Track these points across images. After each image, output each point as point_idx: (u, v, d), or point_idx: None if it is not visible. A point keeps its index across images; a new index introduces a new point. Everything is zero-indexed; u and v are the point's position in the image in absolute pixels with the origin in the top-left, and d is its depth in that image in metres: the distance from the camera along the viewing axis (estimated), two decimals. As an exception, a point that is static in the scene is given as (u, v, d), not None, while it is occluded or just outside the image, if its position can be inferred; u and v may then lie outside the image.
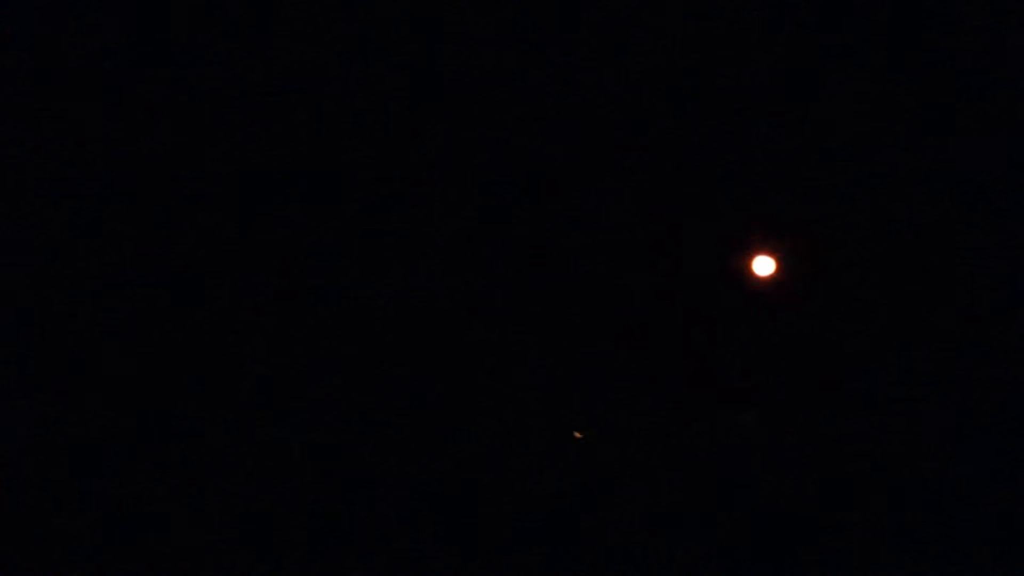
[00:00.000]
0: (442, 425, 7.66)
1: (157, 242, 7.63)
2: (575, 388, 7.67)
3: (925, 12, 7.46)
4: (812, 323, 7.66)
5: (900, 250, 7.62)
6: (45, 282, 7.62)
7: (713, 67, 7.56)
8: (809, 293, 7.64)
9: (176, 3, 7.53)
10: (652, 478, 7.62)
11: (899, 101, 7.59)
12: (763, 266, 7.66)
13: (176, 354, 7.68)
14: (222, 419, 7.65)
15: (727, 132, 7.56)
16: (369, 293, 7.65)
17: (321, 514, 7.62)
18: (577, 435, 7.71)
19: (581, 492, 7.66)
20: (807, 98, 7.53)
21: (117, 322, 7.67)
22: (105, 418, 7.64)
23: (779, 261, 7.64)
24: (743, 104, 7.53)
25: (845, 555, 7.50)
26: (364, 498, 7.63)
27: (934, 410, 7.58)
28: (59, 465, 7.60)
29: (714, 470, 7.66)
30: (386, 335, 7.70)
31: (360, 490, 7.65)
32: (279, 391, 7.71)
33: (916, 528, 7.52)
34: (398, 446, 7.66)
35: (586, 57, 7.56)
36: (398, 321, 7.69)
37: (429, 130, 7.67)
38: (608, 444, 7.70)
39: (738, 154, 7.62)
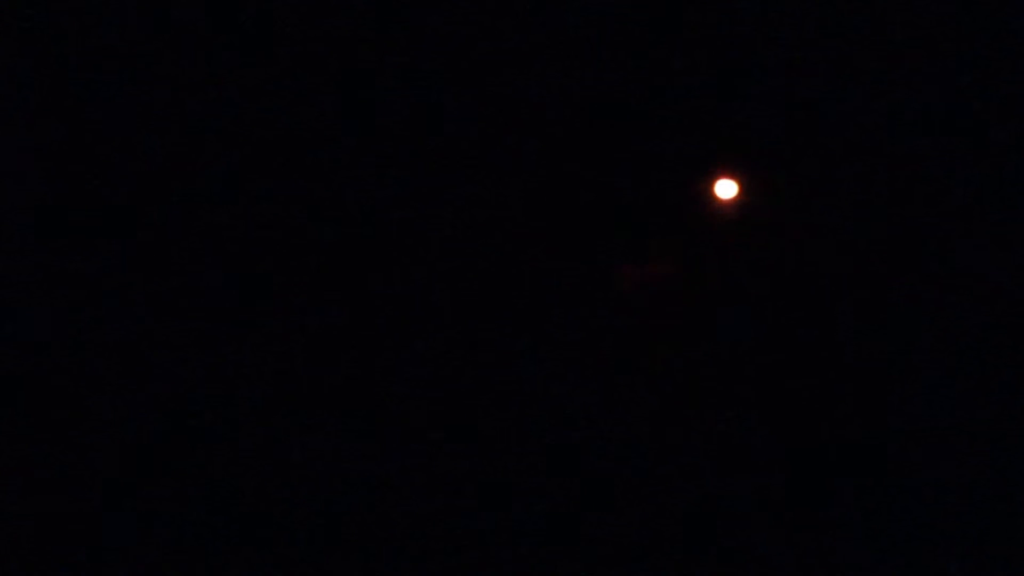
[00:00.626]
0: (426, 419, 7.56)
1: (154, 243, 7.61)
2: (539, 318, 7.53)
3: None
4: (777, 248, 7.54)
5: (867, 174, 7.53)
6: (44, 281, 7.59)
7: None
8: (773, 217, 7.54)
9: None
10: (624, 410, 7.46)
11: (869, 34, 7.54)
12: (726, 189, 7.57)
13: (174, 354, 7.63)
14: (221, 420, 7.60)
15: (691, 53, 7.49)
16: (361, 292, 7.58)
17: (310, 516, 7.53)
18: None
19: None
20: (771, 20, 7.47)
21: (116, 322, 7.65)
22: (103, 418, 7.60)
23: (742, 184, 7.55)
24: (708, 26, 7.47)
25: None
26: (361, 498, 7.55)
27: (907, 338, 7.45)
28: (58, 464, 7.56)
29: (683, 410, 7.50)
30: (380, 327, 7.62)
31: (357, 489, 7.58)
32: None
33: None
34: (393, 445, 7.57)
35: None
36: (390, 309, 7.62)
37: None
38: (576, 377, 7.55)
39: (700, 76, 7.55)
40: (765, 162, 7.53)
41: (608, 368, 7.49)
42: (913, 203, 7.48)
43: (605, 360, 7.50)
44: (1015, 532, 7.26)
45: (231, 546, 7.33)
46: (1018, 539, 7.27)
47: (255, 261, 7.60)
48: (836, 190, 7.52)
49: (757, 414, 7.49)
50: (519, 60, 7.54)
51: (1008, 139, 7.57)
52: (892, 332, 7.44)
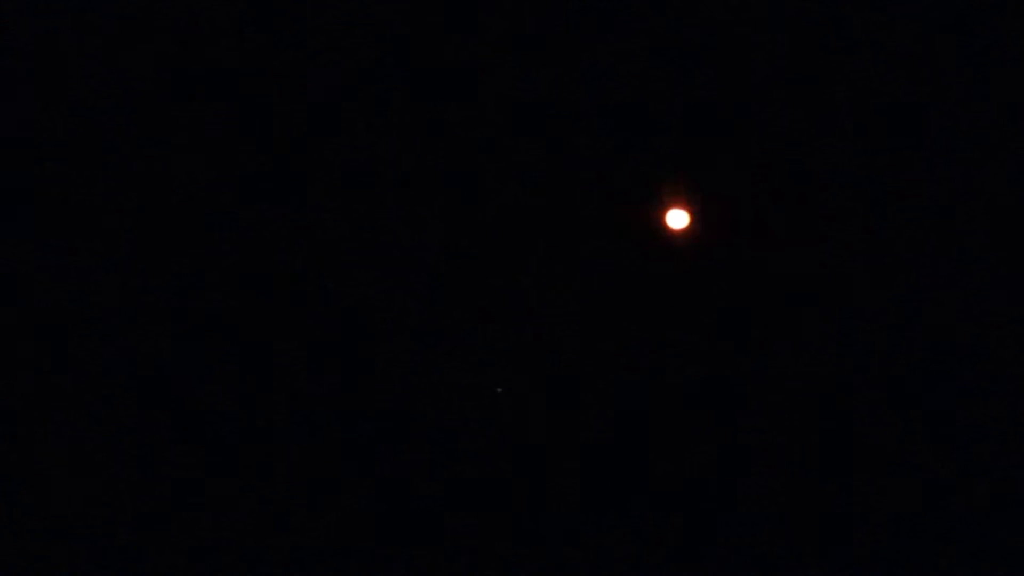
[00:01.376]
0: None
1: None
2: (494, 344, 7.52)
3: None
4: (729, 278, 7.49)
5: (823, 201, 7.46)
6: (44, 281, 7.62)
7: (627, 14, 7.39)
8: (725, 246, 7.48)
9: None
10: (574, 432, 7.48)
11: (826, 50, 7.42)
12: (677, 219, 7.50)
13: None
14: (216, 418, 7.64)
15: (644, 79, 7.39)
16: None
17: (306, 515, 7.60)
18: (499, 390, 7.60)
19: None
20: (730, 46, 7.36)
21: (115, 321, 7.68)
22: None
23: (693, 214, 7.49)
24: (662, 53, 7.36)
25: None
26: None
27: (856, 359, 7.44)
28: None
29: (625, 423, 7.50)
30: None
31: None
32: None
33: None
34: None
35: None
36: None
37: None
38: (531, 402, 7.55)
39: (656, 103, 7.45)
40: (718, 191, 7.45)
41: (555, 394, 7.49)
42: (869, 230, 7.42)
43: (551, 389, 7.51)
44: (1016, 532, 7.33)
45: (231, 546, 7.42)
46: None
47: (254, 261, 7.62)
48: (791, 219, 7.45)
49: (705, 440, 7.50)
50: (476, 74, 7.47)
51: (972, 154, 7.50)
52: (845, 359, 7.43)
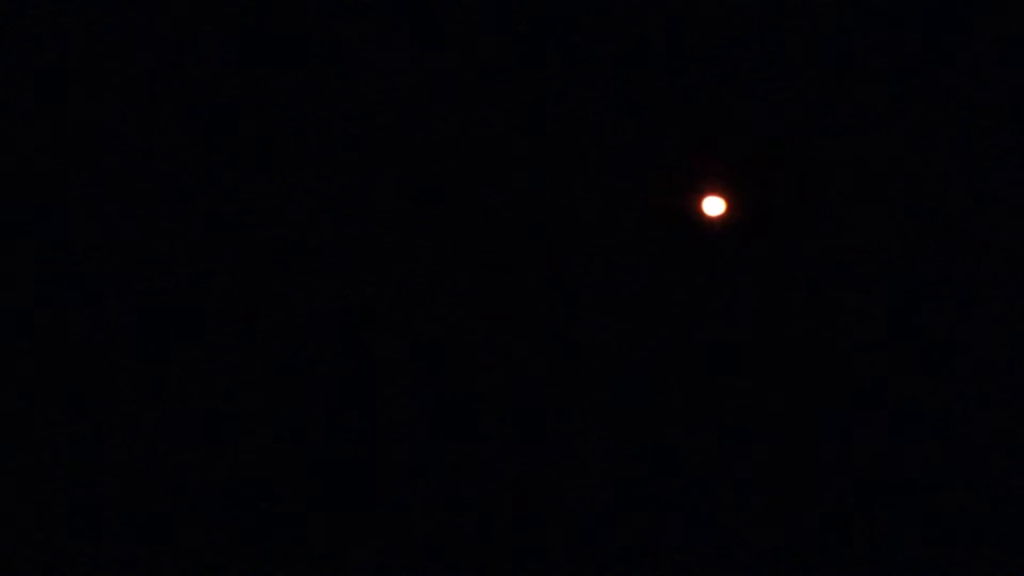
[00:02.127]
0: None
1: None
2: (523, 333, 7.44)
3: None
4: (765, 267, 7.42)
5: (860, 191, 7.41)
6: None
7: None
8: (761, 235, 7.41)
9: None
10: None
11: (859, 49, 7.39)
12: (713, 206, 7.44)
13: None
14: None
15: (678, 69, 7.35)
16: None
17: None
18: None
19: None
20: (759, 35, 7.31)
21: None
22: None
23: (729, 201, 7.43)
24: (697, 42, 7.32)
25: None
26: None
27: (899, 356, 7.38)
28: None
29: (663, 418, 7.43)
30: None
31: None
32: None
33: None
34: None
35: None
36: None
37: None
38: (558, 393, 7.47)
39: (687, 89, 7.39)
40: (754, 179, 7.38)
41: (589, 384, 7.41)
42: (906, 220, 7.37)
43: (586, 376, 7.42)
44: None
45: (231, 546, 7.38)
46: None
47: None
48: (828, 207, 7.39)
49: (740, 433, 7.42)
50: (506, 70, 7.42)
51: (1002, 145, 7.47)
52: (883, 350, 7.36)
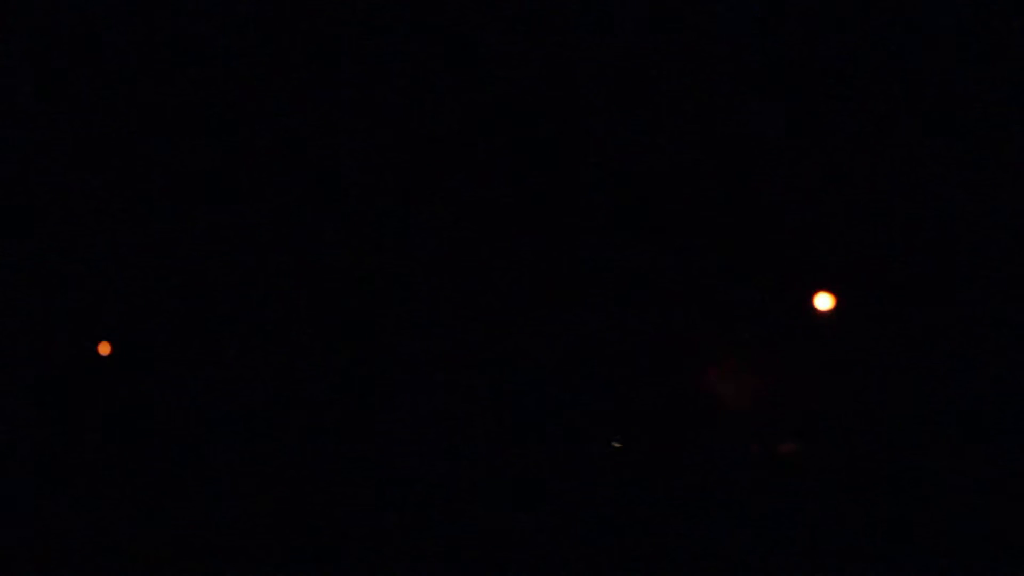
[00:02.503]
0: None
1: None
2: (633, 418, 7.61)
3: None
4: (871, 359, 7.64)
5: (958, 287, 7.63)
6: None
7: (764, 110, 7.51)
8: (868, 329, 7.63)
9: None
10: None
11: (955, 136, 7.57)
12: (823, 302, 7.63)
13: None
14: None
15: (792, 169, 7.52)
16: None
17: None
18: (616, 444, 7.75)
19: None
20: (872, 137, 7.49)
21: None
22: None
23: (838, 297, 7.61)
24: (810, 141, 7.49)
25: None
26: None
27: (991, 447, 7.61)
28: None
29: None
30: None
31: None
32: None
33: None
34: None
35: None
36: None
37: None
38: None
39: (798, 192, 7.57)
40: (863, 276, 7.59)
41: (689, 480, 7.56)
42: (1009, 322, 7.58)
43: (683, 473, 7.57)
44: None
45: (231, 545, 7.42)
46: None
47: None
48: (930, 307, 7.61)
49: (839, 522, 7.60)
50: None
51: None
52: (991, 442, 7.57)
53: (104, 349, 7.29)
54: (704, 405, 7.93)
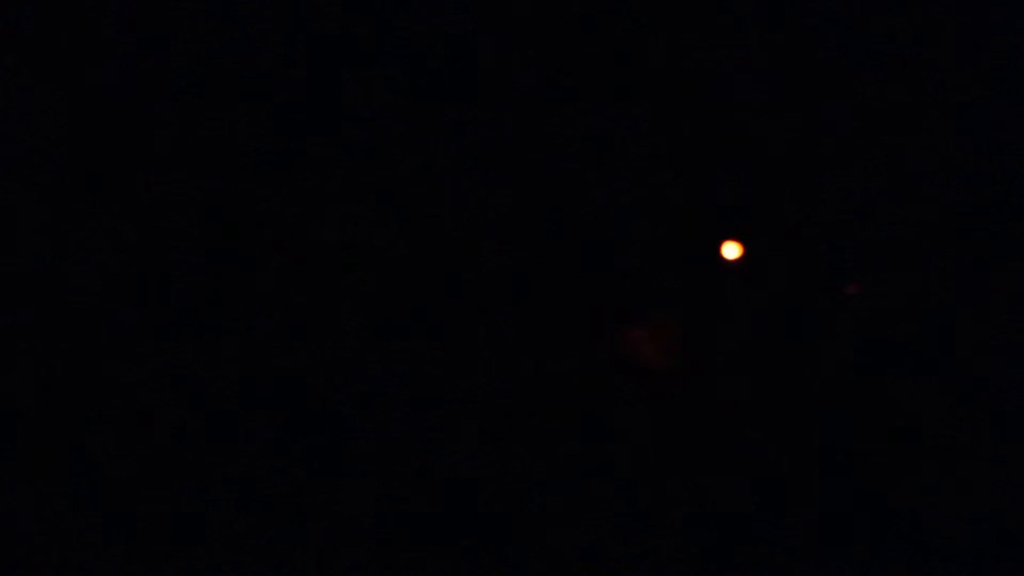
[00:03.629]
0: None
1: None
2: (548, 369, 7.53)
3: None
4: (781, 310, 7.53)
5: (874, 234, 7.52)
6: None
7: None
8: (777, 278, 7.52)
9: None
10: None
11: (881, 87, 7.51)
12: (730, 250, 7.55)
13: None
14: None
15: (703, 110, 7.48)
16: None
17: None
18: None
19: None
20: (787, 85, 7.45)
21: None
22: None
23: (745, 245, 7.54)
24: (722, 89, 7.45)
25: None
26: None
27: (903, 402, 7.46)
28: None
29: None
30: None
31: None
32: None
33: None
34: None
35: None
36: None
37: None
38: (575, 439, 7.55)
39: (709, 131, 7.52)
40: (771, 223, 7.50)
41: (600, 430, 7.49)
42: (919, 262, 7.46)
43: (597, 423, 7.50)
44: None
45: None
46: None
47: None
48: (841, 253, 7.50)
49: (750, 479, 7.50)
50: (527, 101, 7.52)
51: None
52: (899, 394, 7.44)
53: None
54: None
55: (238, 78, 7.46)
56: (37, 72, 7.48)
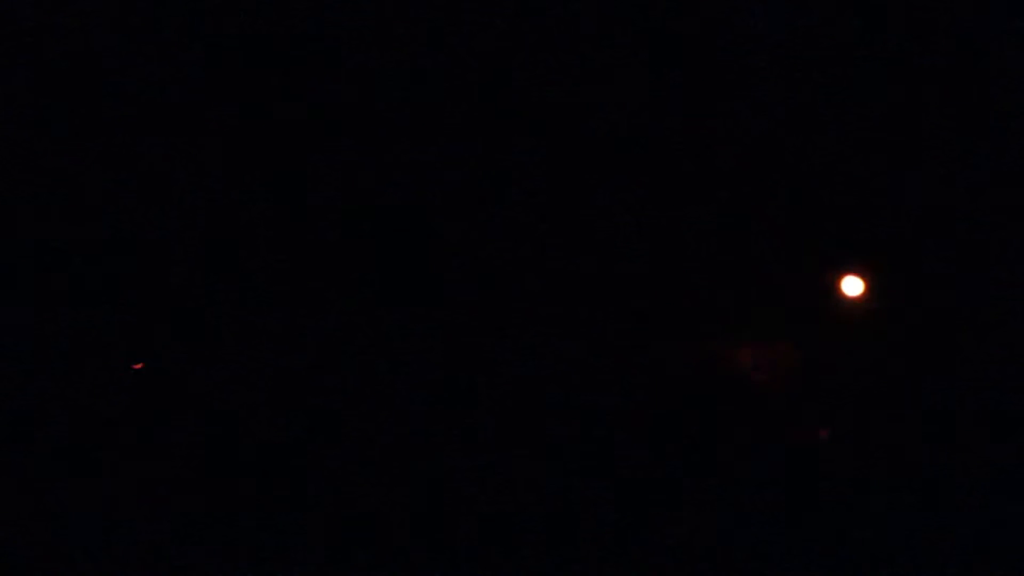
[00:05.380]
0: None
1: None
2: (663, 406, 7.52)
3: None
4: (901, 344, 7.56)
5: (988, 269, 7.55)
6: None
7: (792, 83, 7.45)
8: (898, 314, 7.55)
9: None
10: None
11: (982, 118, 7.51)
12: (852, 286, 7.55)
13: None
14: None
15: (815, 147, 7.46)
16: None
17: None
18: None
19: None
20: (898, 114, 7.43)
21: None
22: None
23: (869, 281, 7.54)
24: (834, 118, 7.43)
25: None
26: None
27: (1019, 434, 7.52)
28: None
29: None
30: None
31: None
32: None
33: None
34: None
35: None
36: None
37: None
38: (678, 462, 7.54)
39: (827, 168, 7.52)
40: (891, 260, 7.52)
41: (720, 458, 7.49)
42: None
43: (718, 449, 7.50)
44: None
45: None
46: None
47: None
48: (961, 289, 7.54)
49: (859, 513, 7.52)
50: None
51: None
52: (1014, 431, 7.50)
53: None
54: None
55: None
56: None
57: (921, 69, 7.37)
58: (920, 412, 7.49)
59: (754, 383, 7.54)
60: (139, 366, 7.57)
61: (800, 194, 7.39)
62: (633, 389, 7.55)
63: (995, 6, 7.31)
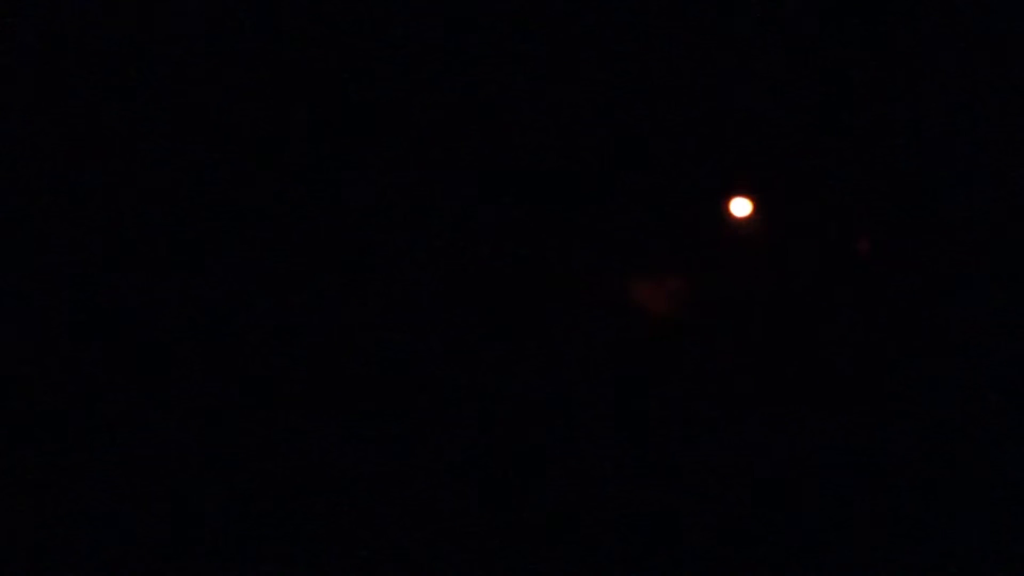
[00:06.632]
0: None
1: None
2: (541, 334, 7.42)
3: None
4: (792, 269, 7.39)
5: (888, 195, 7.38)
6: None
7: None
8: (789, 236, 7.40)
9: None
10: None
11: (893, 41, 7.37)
12: (740, 207, 7.44)
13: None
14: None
15: (705, 64, 7.35)
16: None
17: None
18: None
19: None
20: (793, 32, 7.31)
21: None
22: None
23: (757, 202, 7.43)
24: (725, 39, 7.31)
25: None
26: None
27: (915, 363, 7.30)
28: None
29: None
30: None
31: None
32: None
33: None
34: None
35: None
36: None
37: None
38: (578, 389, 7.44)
39: (717, 85, 7.39)
40: (782, 179, 7.38)
41: (611, 383, 7.39)
42: (934, 221, 7.32)
43: (609, 375, 7.40)
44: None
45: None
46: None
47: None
48: (855, 208, 7.36)
49: (759, 431, 7.38)
50: (523, 64, 7.44)
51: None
52: (904, 353, 7.30)
53: None
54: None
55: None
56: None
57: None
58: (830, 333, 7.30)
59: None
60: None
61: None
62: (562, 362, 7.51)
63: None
